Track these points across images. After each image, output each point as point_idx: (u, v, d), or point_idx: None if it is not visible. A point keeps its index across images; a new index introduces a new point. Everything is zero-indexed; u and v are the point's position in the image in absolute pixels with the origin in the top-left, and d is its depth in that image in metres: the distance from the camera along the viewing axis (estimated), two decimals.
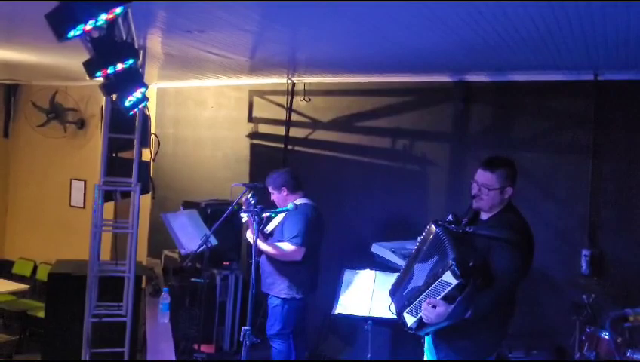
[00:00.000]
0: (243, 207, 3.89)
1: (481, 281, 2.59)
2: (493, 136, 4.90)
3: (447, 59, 4.45)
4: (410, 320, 2.88)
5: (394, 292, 3.12)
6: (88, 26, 1.60)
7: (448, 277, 2.58)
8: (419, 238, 2.98)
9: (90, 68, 2.25)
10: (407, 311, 2.88)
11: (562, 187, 4.58)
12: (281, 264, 4.08)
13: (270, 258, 4.10)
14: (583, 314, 3.85)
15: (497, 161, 2.90)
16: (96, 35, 2.31)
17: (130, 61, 2.49)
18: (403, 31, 3.61)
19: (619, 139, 4.38)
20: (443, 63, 4.63)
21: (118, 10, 1.65)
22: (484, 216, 2.93)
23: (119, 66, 2.42)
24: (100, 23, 1.65)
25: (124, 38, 2.65)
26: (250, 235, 4.03)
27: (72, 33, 1.59)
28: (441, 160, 5.09)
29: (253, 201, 3.87)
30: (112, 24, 2.19)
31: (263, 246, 3.95)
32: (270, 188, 4.16)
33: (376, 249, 4.43)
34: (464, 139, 5.03)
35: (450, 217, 2.92)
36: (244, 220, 4.02)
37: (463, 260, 2.56)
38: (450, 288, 2.58)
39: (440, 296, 2.64)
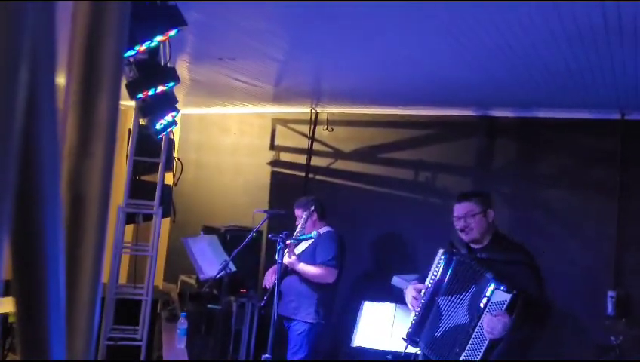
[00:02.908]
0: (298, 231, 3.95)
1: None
2: (517, 171, 4.88)
3: (473, 93, 4.48)
4: None
5: (416, 333, 2.95)
6: (143, 47, 1.65)
7: (500, 296, 2.57)
8: (434, 271, 2.92)
9: (133, 89, 2.30)
10: (463, 356, 2.68)
11: (588, 226, 4.52)
12: (310, 286, 4.09)
13: (299, 281, 4.09)
14: (610, 356, 3.75)
15: (468, 192, 3.16)
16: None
17: (171, 84, 2.54)
18: (433, 62, 3.65)
19: None
20: (469, 97, 4.66)
21: (173, 32, 1.69)
22: (475, 246, 2.96)
23: (160, 89, 2.47)
24: (153, 44, 1.69)
25: (164, 62, 2.71)
26: (288, 259, 3.97)
27: (127, 53, 1.64)
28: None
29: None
30: (156, 48, 2.25)
31: (302, 266, 3.97)
32: (300, 212, 4.15)
33: (397, 281, 4.37)
34: (487, 173, 5.01)
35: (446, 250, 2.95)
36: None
37: (501, 276, 2.61)
38: (505, 306, 2.55)
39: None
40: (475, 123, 5.03)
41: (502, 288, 2.58)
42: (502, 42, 3.05)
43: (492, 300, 2.60)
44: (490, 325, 2.57)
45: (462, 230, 2.92)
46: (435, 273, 2.91)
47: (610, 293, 4.28)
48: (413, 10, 2.72)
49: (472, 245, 2.96)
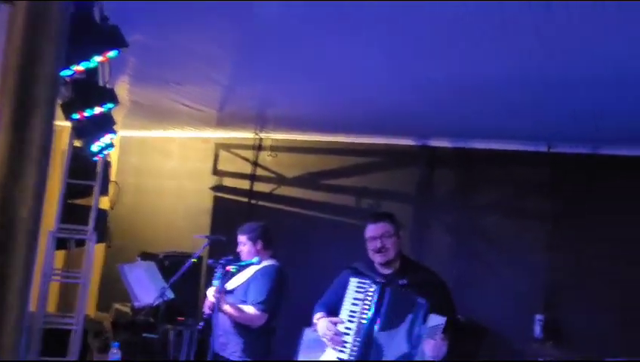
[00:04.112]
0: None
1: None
2: (456, 200, 5.05)
3: (414, 123, 4.63)
4: None
5: None
6: (80, 67, 1.60)
7: (436, 320, 2.57)
8: (362, 304, 2.74)
9: (69, 109, 2.22)
10: None
11: (521, 253, 4.72)
12: (237, 325, 3.84)
13: (228, 317, 3.86)
14: None
15: (382, 213, 3.11)
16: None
17: (109, 105, 2.47)
18: (375, 92, 3.75)
19: (573, 208, 4.60)
20: (409, 127, 4.81)
21: (112, 53, 1.66)
22: (386, 271, 2.89)
23: (97, 110, 2.40)
24: (92, 65, 1.65)
25: (103, 82, 2.65)
26: (212, 292, 3.70)
27: (64, 72, 1.59)
28: (405, 221, 5.16)
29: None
30: (95, 68, 2.19)
31: (227, 308, 3.63)
32: (245, 238, 3.85)
33: None
34: (428, 201, 5.16)
35: (365, 278, 2.81)
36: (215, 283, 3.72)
37: (432, 301, 2.62)
38: (442, 327, 2.58)
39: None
40: (416, 152, 5.19)
41: (435, 312, 2.59)
42: (441, 76, 3.19)
43: (429, 325, 2.59)
44: (435, 350, 2.57)
45: (378, 251, 2.85)
46: (365, 306, 2.73)
47: (539, 317, 4.48)
48: (356, 40, 2.81)
49: (383, 269, 2.89)
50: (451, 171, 5.12)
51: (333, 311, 2.90)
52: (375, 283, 2.74)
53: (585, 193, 4.59)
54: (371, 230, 2.90)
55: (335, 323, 2.79)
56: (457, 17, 2.34)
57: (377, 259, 2.87)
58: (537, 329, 4.48)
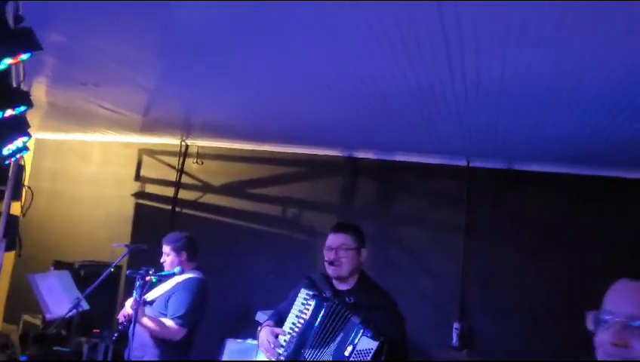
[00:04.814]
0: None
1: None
2: (377, 210, 5.20)
3: (339, 135, 4.73)
4: None
5: None
6: None
7: (366, 344, 2.40)
8: (300, 315, 2.64)
9: None
10: None
11: (438, 262, 4.93)
12: (155, 337, 3.72)
13: (145, 329, 3.71)
14: None
15: (348, 224, 2.90)
16: None
17: (22, 108, 2.35)
18: (300, 104, 3.80)
19: (486, 220, 4.87)
20: (335, 139, 4.91)
21: (25, 56, 1.58)
22: (342, 287, 2.75)
23: (9, 112, 2.27)
24: (1, 67, 1.57)
25: (16, 83, 2.52)
26: (130, 302, 3.53)
27: None
28: (327, 230, 5.24)
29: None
30: (6, 69, 2.08)
31: (145, 321, 3.49)
32: (169, 249, 3.76)
33: (262, 317, 4.37)
34: (350, 211, 5.28)
35: (311, 291, 2.68)
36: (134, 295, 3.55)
37: (367, 321, 2.45)
38: (372, 354, 2.38)
39: None
40: (340, 163, 5.31)
41: (368, 335, 2.42)
42: (364, 90, 3.28)
43: (358, 348, 2.42)
44: None
45: (331, 262, 2.68)
46: (301, 318, 2.63)
47: (455, 325, 4.68)
48: (280, 54, 2.84)
49: (338, 284, 2.75)
50: (374, 182, 5.28)
51: (282, 320, 2.78)
52: (315, 296, 2.62)
53: (498, 206, 4.88)
54: (329, 239, 2.75)
55: (276, 334, 2.69)
56: (373, 31, 2.43)
57: (329, 271, 2.72)
58: (454, 337, 4.68)
